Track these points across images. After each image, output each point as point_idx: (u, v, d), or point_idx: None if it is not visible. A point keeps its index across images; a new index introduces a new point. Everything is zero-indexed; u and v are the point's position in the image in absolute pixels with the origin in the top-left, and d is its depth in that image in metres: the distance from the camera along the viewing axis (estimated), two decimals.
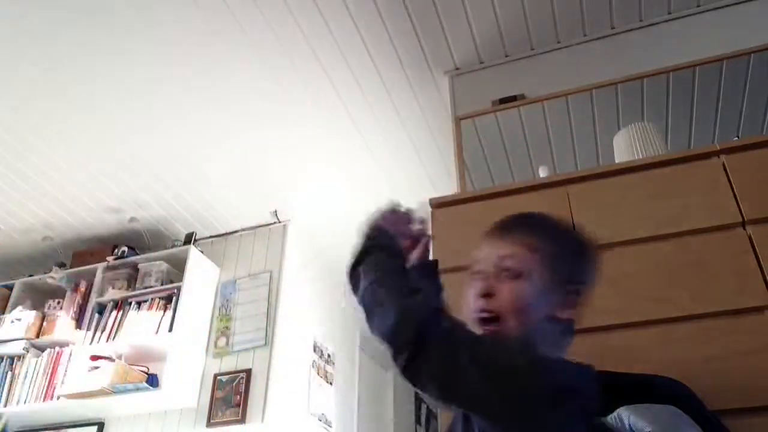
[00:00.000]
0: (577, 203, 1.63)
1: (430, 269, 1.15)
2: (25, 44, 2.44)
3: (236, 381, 3.05)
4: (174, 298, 3.16)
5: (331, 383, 3.62)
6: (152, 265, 3.39)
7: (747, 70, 2.19)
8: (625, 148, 2.03)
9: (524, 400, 0.75)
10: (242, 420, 2.92)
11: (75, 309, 3.36)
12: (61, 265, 3.56)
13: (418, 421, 5.02)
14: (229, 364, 3.15)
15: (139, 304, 3.24)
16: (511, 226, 0.98)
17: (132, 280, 3.41)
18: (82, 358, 3.09)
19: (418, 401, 5.10)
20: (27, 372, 3.22)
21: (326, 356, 3.64)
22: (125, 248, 3.47)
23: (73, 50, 2.48)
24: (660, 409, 1.12)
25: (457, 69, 2.63)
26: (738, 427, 1.16)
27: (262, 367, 3.07)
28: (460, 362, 0.76)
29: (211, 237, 3.65)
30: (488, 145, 2.50)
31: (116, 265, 3.44)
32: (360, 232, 1.11)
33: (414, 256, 1.10)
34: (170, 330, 3.05)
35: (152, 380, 2.98)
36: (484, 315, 0.89)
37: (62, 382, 3.08)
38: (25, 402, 3.12)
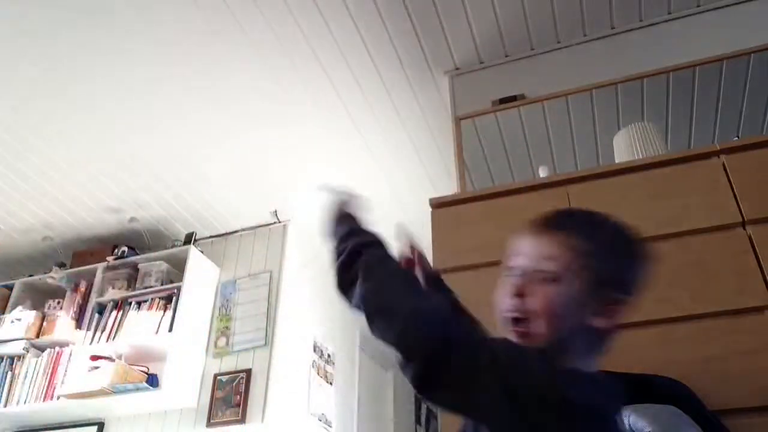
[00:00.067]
0: (577, 203, 1.63)
1: (439, 282, 1.13)
2: (25, 44, 2.44)
3: (236, 381, 3.05)
4: (174, 298, 3.16)
5: (331, 383, 3.62)
6: (152, 265, 3.39)
7: (747, 70, 2.19)
8: (625, 148, 2.03)
9: (538, 420, 0.71)
10: (242, 420, 2.91)
11: (75, 309, 3.36)
12: (61, 265, 3.56)
13: (418, 421, 5.02)
14: (229, 364, 3.15)
15: (139, 304, 3.24)
16: (554, 223, 0.90)
17: (132, 280, 3.41)
18: (82, 358, 3.09)
19: (418, 401, 5.10)
20: (27, 372, 3.21)
21: (326, 356, 3.64)
22: (125, 248, 3.47)
23: (73, 50, 2.48)
24: (660, 409, 1.13)
25: (457, 69, 2.63)
26: (738, 427, 1.16)
27: (262, 367, 3.07)
28: (480, 374, 0.73)
29: (211, 237, 3.65)
30: (488, 145, 2.50)
31: (116, 265, 3.44)
32: (331, 224, 1.09)
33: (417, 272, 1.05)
34: (170, 330, 3.05)
35: (152, 380, 2.98)
36: (515, 315, 0.84)
37: (62, 382, 3.08)
38: (25, 402, 3.12)
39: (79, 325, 3.31)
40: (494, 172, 2.55)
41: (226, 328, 3.28)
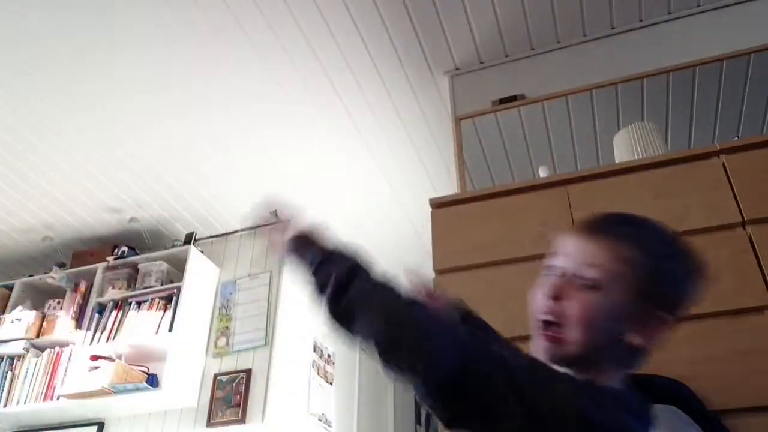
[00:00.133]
0: (577, 203, 1.64)
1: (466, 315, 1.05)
2: (25, 44, 2.44)
3: (236, 381, 3.05)
4: (174, 298, 3.16)
5: (331, 383, 3.62)
6: (152, 265, 3.39)
7: (747, 70, 2.18)
8: (625, 148, 2.03)
9: None
10: (242, 420, 2.91)
11: (75, 309, 3.36)
12: (61, 265, 3.56)
13: (418, 421, 5.02)
14: (229, 364, 3.15)
15: (139, 304, 3.24)
16: (602, 228, 0.85)
17: (132, 280, 3.41)
18: (82, 358, 3.09)
19: (419, 403, 5.09)
20: (27, 372, 3.21)
21: (326, 356, 3.64)
22: (125, 248, 3.47)
23: (73, 50, 2.48)
24: (660, 409, 1.12)
25: (457, 69, 2.63)
26: (738, 427, 1.16)
27: (262, 367, 3.07)
28: (503, 403, 0.69)
29: (211, 237, 3.65)
30: (488, 145, 2.50)
31: (116, 265, 3.44)
32: (296, 249, 1.01)
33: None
34: (170, 330, 3.05)
35: (152, 380, 2.98)
36: (548, 318, 0.81)
37: (62, 382, 3.08)
38: (25, 402, 3.12)
39: (79, 325, 3.31)
40: (494, 172, 2.55)
41: (226, 328, 3.28)
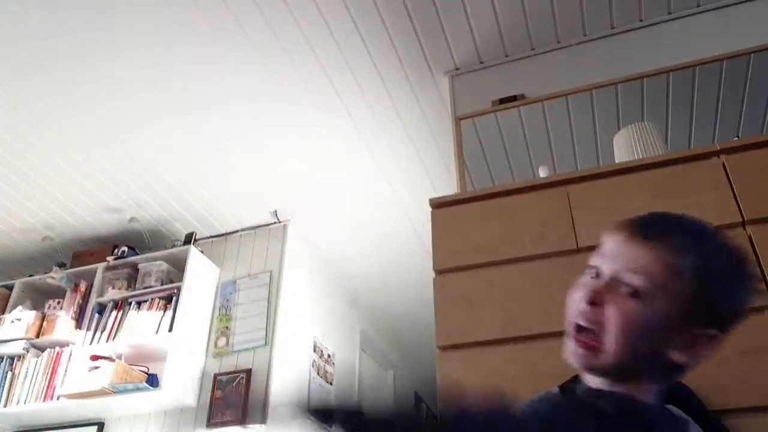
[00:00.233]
0: (577, 203, 1.64)
1: None
2: (25, 44, 2.44)
3: (236, 381, 3.05)
4: (174, 298, 3.16)
5: (331, 383, 3.62)
6: (152, 265, 3.39)
7: (747, 70, 2.18)
8: (625, 148, 2.03)
9: None
10: (242, 420, 2.91)
11: (75, 309, 3.36)
12: (61, 265, 3.56)
13: None
14: (229, 364, 3.15)
15: (139, 304, 3.24)
16: (651, 230, 0.77)
17: (132, 280, 3.41)
18: (82, 358, 3.09)
19: (418, 401, 5.11)
20: (27, 372, 3.21)
21: (326, 356, 3.64)
22: (125, 248, 3.47)
23: (73, 50, 2.48)
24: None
25: (457, 69, 2.63)
26: (738, 427, 1.16)
27: (262, 367, 3.07)
28: None
29: (211, 237, 3.65)
30: (488, 145, 2.50)
31: (116, 265, 3.44)
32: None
33: None
34: (170, 330, 3.05)
35: (152, 380, 2.98)
36: (583, 324, 0.76)
37: (62, 382, 3.08)
38: (25, 402, 3.12)
39: (79, 325, 3.31)
40: (494, 172, 2.55)
41: (226, 328, 3.28)
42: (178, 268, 3.35)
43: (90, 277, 3.45)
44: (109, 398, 2.94)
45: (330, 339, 3.74)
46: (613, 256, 0.77)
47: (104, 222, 3.54)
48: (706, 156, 1.60)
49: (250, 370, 3.06)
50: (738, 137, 2.13)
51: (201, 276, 3.36)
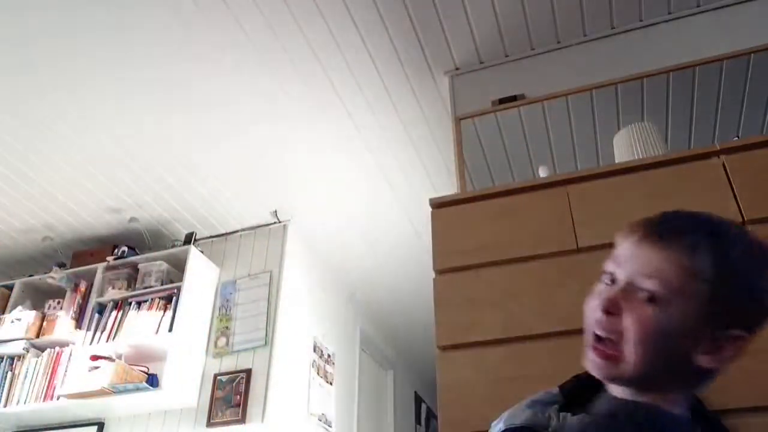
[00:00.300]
0: (577, 203, 1.64)
1: None
2: (25, 45, 2.44)
3: (236, 381, 3.05)
4: (174, 298, 3.16)
5: (331, 383, 3.62)
6: (152, 265, 3.39)
7: (747, 70, 2.18)
8: (625, 148, 2.03)
9: None
10: (242, 420, 2.92)
11: (75, 309, 3.36)
12: (61, 265, 3.56)
13: (418, 421, 5.02)
14: (229, 364, 3.15)
15: (139, 304, 3.24)
16: (664, 230, 0.73)
17: (132, 280, 3.41)
18: (82, 358, 3.09)
19: (418, 401, 5.11)
20: (27, 372, 3.21)
21: (326, 356, 3.64)
22: (125, 248, 3.47)
23: (74, 50, 2.48)
24: None
25: (457, 69, 2.63)
26: (738, 427, 1.16)
27: (262, 367, 3.07)
28: None
29: (211, 237, 3.65)
30: (488, 145, 2.50)
31: (116, 265, 3.44)
32: None
33: None
34: (170, 330, 3.05)
35: (152, 380, 2.98)
36: (600, 334, 0.73)
37: (62, 382, 3.08)
38: (25, 402, 3.12)
39: (79, 325, 3.31)
40: (494, 172, 2.55)
41: (226, 328, 3.28)
42: (178, 268, 3.35)
43: (90, 277, 3.46)
44: (109, 398, 2.95)
45: (330, 339, 3.74)
46: (627, 260, 0.74)
47: (104, 222, 3.54)
48: (706, 156, 1.60)
49: (250, 370, 3.07)
50: (738, 137, 2.13)
51: (201, 276, 3.36)
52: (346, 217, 3.57)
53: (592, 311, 0.75)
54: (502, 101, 2.42)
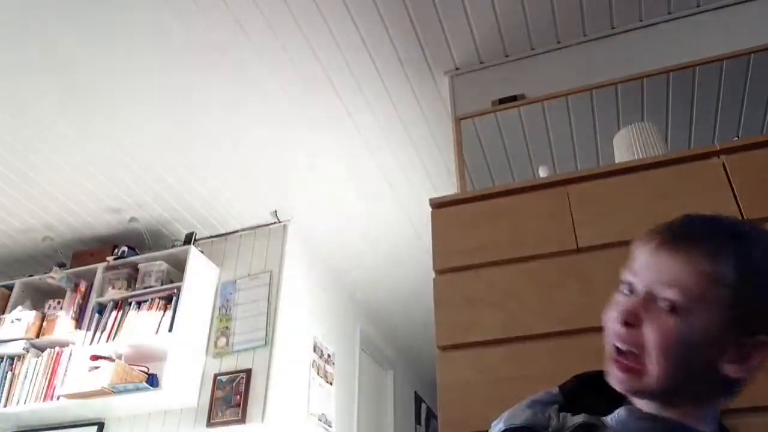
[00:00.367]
0: (577, 203, 1.63)
1: None
2: (25, 45, 2.44)
3: (236, 381, 3.05)
4: (174, 298, 3.16)
5: (331, 383, 3.62)
6: (152, 265, 3.39)
7: (747, 70, 2.18)
8: (625, 148, 2.03)
9: None
10: (242, 420, 2.92)
11: (75, 309, 3.36)
12: (61, 265, 3.56)
13: (418, 421, 5.02)
14: (229, 364, 3.15)
15: (139, 304, 3.24)
16: (682, 236, 0.71)
17: (132, 280, 3.41)
18: (82, 358, 3.09)
19: (418, 401, 5.11)
20: (27, 372, 3.22)
21: (326, 356, 3.64)
22: (125, 248, 3.47)
23: (74, 51, 2.48)
24: None
25: (457, 69, 2.63)
26: (738, 427, 1.16)
27: (262, 367, 3.07)
28: None
29: (211, 237, 3.65)
30: (488, 145, 2.50)
31: (116, 265, 3.44)
32: None
33: None
34: (170, 330, 3.05)
35: (152, 380, 2.98)
36: (621, 347, 0.70)
37: (62, 382, 3.08)
38: (25, 402, 3.12)
39: (79, 325, 3.31)
40: (494, 172, 2.55)
41: (226, 328, 3.28)
42: (178, 268, 3.35)
43: (90, 277, 3.46)
44: (109, 398, 2.95)
45: (330, 339, 3.74)
46: (645, 269, 0.71)
47: (104, 222, 3.54)
48: (706, 156, 1.60)
49: (250, 370, 3.07)
50: (738, 137, 2.13)
51: (201, 276, 3.36)
52: (346, 217, 3.57)
53: (612, 323, 0.72)
54: (502, 101, 2.42)
